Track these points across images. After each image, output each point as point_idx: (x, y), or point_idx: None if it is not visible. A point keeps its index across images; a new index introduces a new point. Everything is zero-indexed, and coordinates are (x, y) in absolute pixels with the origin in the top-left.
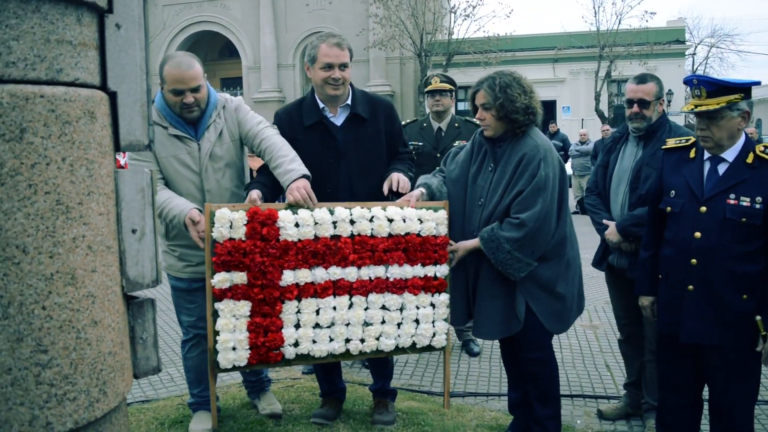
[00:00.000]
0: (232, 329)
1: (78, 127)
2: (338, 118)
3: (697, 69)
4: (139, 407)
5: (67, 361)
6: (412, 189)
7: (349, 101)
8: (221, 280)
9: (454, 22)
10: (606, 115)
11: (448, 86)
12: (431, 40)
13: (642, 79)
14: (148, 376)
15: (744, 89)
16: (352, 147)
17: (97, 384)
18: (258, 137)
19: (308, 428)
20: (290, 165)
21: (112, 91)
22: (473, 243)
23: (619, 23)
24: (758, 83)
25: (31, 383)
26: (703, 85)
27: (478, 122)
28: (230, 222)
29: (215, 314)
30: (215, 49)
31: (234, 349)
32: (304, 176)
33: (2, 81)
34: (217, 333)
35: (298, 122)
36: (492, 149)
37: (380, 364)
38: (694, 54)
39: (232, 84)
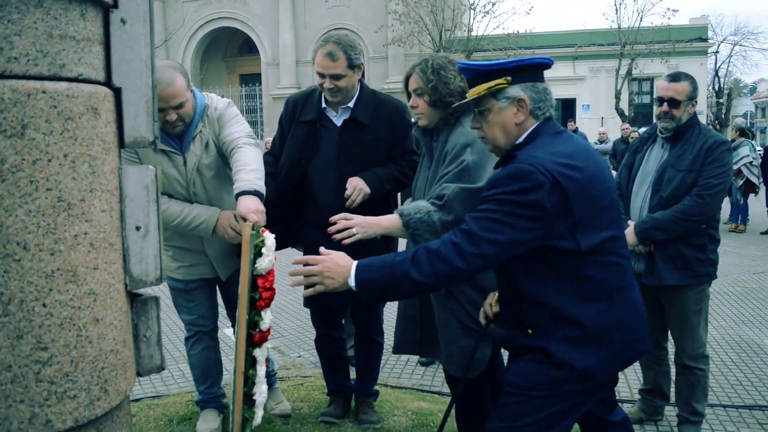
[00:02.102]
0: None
1: (81, 123)
2: (338, 119)
3: (719, 67)
4: (149, 403)
5: (67, 358)
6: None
7: (351, 104)
8: (269, 321)
9: (474, 18)
10: (626, 113)
11: None
12: (450, 37)
13: (675, 77)
14: (152, 374)
15: (510, 70)
16: (346, 151)
17: (98, 382)
18: (231, 145)
19: (317, 427)
20: (246, 174)
21: (117, 87)
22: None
23: (641, 20)
24: (531, 61)
25: (31, 381)
26: (464, 73)
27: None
28: (272, 248)
29: (250, 363)
30: (235, 46)
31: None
32: (257, 192)
33: (4, 77)
34: (251, 386)
35: (300, 114)
36: (428, 144)
37: (370, 366)
38: (717, 52)
39: (251, 80)
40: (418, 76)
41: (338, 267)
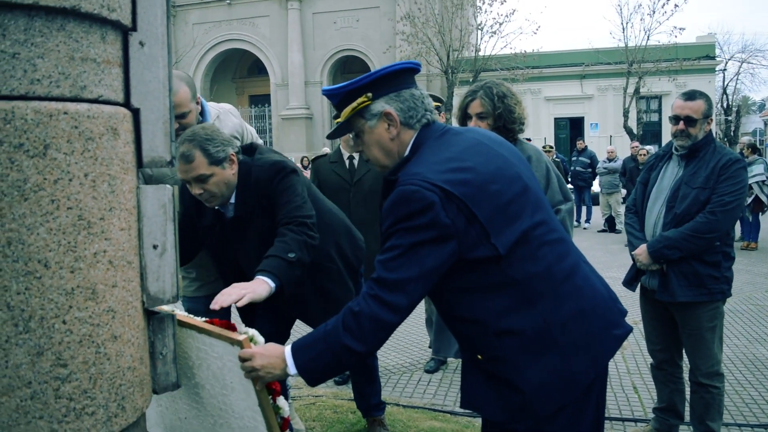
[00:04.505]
0: None
1: (101, 143)
2: (228, 211)
3: (727, 85)
4: None
5: (86, 375)
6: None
7: (233, 198)
8: (287, 406)
9: (481, 38)
10: (635, 131)
11: None
12: (458, 57)
13: (691, 95)
14: (168, 391)
15: (368, 85)
16: (241, 246)
17: (115, 399)
18: (251, 139)
19: None
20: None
21: (136, 107)
22: None
23: (648, 39)
24: (387, 70)
25: (51, 397)
26: (330, 99)
27: None
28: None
29: None
30: (244, 67)
31: None
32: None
33: (27, 98)
34: None
35: (197, 217)
36: None
37: (371, 383)
38: (725, 70)
39: (261, 101)
40: (482, 101)
41: (272, 358)
